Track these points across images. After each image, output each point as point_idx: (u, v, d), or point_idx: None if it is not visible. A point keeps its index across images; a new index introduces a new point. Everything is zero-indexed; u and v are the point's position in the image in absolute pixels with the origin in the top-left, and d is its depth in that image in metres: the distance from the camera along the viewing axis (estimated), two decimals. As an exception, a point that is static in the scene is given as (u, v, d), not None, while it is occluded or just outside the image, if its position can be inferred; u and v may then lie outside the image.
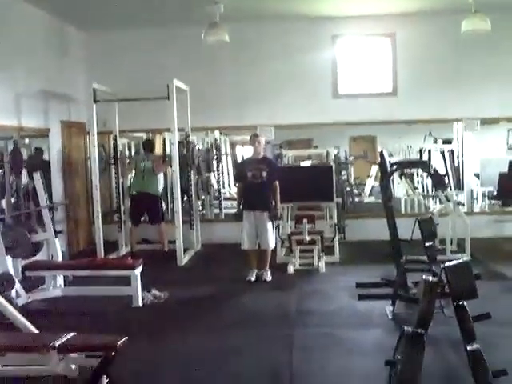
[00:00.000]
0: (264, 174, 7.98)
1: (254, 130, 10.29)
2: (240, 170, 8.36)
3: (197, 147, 10.61)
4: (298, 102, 10.75)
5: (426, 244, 6.52)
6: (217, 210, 11.70)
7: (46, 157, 9.81)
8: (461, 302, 3.99)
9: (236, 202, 8.44)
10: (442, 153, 11.79)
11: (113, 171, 10.45)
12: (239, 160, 13.42)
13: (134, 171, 10.21)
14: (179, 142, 9.61)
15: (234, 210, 8.54)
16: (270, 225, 8.02)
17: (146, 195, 9.88)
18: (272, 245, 8.14)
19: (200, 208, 11.12)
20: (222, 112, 10.78)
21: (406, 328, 4.02)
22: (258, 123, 10.67)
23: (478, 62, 10.47)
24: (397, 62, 10.78)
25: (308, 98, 10.73)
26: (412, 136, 12.91)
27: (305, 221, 8.64)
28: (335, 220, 9.32)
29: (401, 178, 11.89)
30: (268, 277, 8.05)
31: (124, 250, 10.17)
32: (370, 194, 13.68)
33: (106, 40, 10.91)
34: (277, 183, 8.03)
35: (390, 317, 6.17)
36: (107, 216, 10.41)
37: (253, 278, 8.01)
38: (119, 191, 10.31)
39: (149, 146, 10.37)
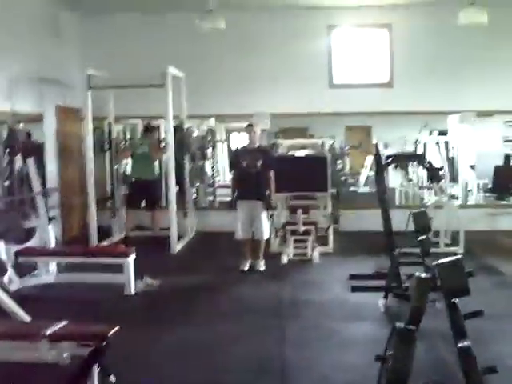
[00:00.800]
0: (259, 163, 7.97)
1: (249, 118, 10.27)
2: (235, 158, 8.35)
3: (194, 134, 10.58)
4: (294, 90, 10.77)
5: (420, 237, 6.51)
6: (211, 198, 11.67)
7: (39, 141, 9.76)
8: (452, 300, 3.98)
9: (230, 191, 8.44)
10: (438, 144, 11.77)
11: (107, 157, 10.46)
12: (234, 148, 13.40)
13: (130, 157, 10.26)
14: (175, 129, 9.64)
15: (229, 199, 8.54)
16: (264, 214, 8.02)
17: (144, 181, 9.98)
18: (266, 235, 8.15)
19: (194, 196, 11.10)
20: (218, 100, 10.78)
21: (397, 324, 4.01)
22: (254, 111, 10.63)
23: (474, 54, 10.47)
24: (393, 53, 10.77)
25: (304, 87, 10.74)
26: (408, 127, 12.85)
27: (299, 211, 8.64)
28: (329, 210, 9.32)
29: (396, 168, 11.87)
30: (261, 267, 8.07)
31: (118, 237, 10.18)
32: (365, 184, 13.64)
33: (101, 24, 10.93)
34: (272, 173, 8.02)
35: (382, 310, 6.19)
36: (101, 202, 10.39)
37: (246, 268, 8.04)
38: (113, 177, 10.32)
39: (147, 131, 10.39)
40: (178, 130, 10.08)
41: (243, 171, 8.01)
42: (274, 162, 8.17)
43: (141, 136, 10.60)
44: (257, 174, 7.95)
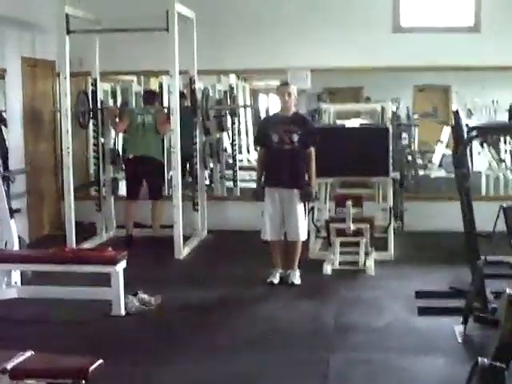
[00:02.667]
0: (295, 137, 7.94)
1: (283, 74, 10.25)
2: (262, 131, 8.32)
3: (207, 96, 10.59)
4: (345, 37, 10.67)
5: (514, 241, 6.49)
6: (230, 184, 11.69)
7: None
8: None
9: (256, 175, 8.45)
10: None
11: (91, 128, 10.51)
12: (262, 117, 13.40)
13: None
14: (181, 91, 9.69)
15: (253, 186, 8.56)
16: (301, 208, 8.01)
17: (146, 160, 10.06)
18: (303, 235, 8.14)
19: (207, 181, 11.13)
20: (241, 50, 10.73)
21: (480, 359, 4.01)
22: (289, 66, 10.60)
23: None
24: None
25: (358, 32, 10.63)
26: (500, 88, 12.76)
27: (349, 203, 8.63)
28: (390, 202, 9.30)
29: (482, 146, 11.80)
30: (297, 279, 8.08)
31: (104, 236, 10.28)
32: (440, 166, 13.59)
33: None
34: (312, 150, 8.02)
35: (459, 340, 6.17)
36: (82, 189, 10.45)
37: (276, 280, 8.05)
38: (99, 155, 10.38)
39: (151, 97, 10.53)
40: (186, 90, 10.13)
41: (273, 148, 8.00)
42: (315, 136, 8.14)
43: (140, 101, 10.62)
44: (292, 153, 7.94)
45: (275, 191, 8.00)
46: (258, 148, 8.61)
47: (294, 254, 8.12)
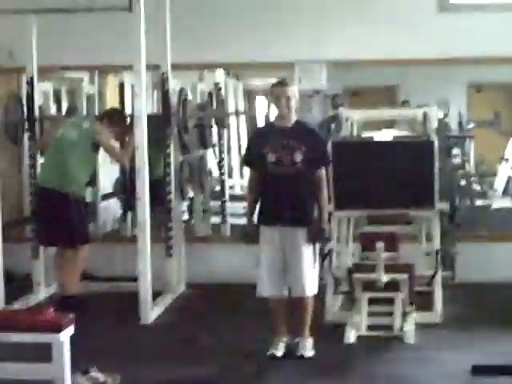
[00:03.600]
0: (298, 156, 7.84)
1: (289, 70, 10.26)
2: (253, 148, 8.21)
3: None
4: (374, 20, 10.70)
5: None
6: (217, 220, 11.66)
7: None
8: None
9: (247, 208, 8.38)
10: None
11: (26, 145, 10.53)
12: (253, 129, 13.43)
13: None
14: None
15: (243, 222, 8.51)
16: (308, 252, 7.92)
17: (50, 193, 9.82)
18: (312, 289, 8.02)
19: (186, 216, 11.10)
20: (232, 37, 10.79)
21: None
22: (296, 58, 10.60)
23: None
24: None
25: (392, 13, 10.71)
26: None
27: (379, 245, 8.58)
28: (437, 244, 9.25)
29: None
30: (308, 350, 7.99)
31: (43, 292, 10.26)
32: (505, 193, 13.61)
33: None
34: (323, 173, 7.95)
35: None
36: (13, 228, 10.42)
37: (279, 353, 7.96)
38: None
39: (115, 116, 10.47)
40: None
41: (269, 172, 7.91)
42: (326, 154, 8.15)
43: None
44: (294, 177, 7.85)
45: (274, 230, 7.91)
46: (249, 172, 8.49)
47: (303, 315, 8.01)
